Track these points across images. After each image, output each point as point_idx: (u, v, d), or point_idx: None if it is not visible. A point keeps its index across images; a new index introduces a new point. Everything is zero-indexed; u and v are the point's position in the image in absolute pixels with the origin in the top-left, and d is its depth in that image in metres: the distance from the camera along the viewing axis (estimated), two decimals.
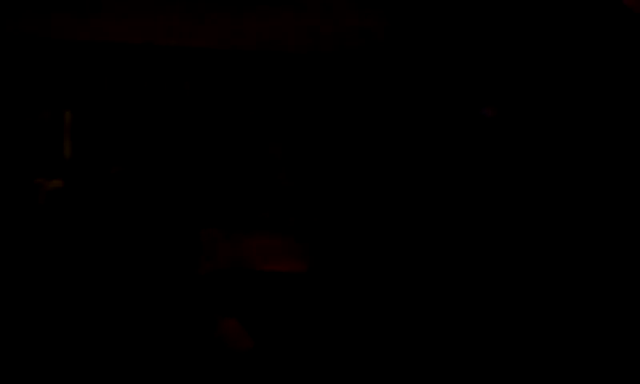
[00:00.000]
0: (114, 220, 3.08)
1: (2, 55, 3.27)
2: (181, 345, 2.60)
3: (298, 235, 2.96)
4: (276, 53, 3.24)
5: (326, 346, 2.64)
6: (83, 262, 2.96)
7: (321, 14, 3.30)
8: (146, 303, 2.82)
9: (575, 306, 2.83)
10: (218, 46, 3.25)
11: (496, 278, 2.87)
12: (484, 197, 3.03)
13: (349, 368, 2.61)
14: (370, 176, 3.08)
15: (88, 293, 2.87)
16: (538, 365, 2.72)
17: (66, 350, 2.74)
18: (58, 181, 3.17)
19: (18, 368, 2.69)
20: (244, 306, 2.71)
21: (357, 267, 2.85)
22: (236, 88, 3.24)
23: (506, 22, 3.18)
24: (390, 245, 2.93)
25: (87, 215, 3.09)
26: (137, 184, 3.17)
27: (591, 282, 2.88)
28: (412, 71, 3.17)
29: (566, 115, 3.11)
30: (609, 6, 3.10)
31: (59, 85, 3.28)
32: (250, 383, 2.47)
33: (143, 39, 3.22)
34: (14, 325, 2.82)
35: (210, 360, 2.53)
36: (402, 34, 3.20)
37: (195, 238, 2.96)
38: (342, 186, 3.06)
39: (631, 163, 3.03)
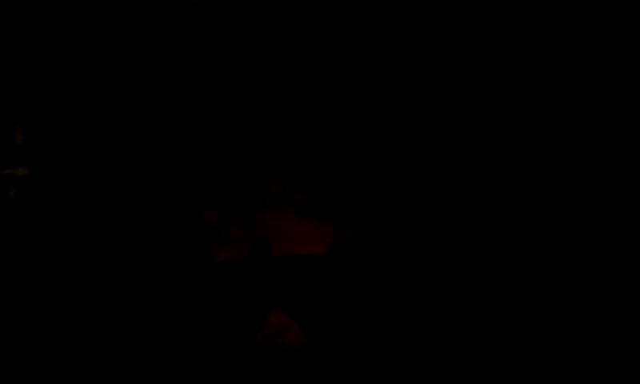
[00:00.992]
0: (93, 210, 2.74)
1: None
2: (228, 347, 2.37)
3: (312, 211, 2.76)
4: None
5: (375, 333, 2.49)
6: (75, 263, 2.63)
7: None
8: (156, 300, 2.55)
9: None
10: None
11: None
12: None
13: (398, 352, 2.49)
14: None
15: (92, 295, 2.57)
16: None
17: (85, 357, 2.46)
18: (23, 168, 2.77)
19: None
20: (280, 296, 2.50)
21: (390, 245, 2.69)
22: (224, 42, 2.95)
23: None
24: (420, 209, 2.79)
25: (64, 208, 2.73)
26: (114, 163, 2.83)
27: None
28: None
29: None
30: None
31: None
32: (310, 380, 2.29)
33: None
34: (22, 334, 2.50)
35: (265, 361, 2.32)
36: None
37: (199, 222, 2.69)
38: (365, 150, 2.86)
39: None
